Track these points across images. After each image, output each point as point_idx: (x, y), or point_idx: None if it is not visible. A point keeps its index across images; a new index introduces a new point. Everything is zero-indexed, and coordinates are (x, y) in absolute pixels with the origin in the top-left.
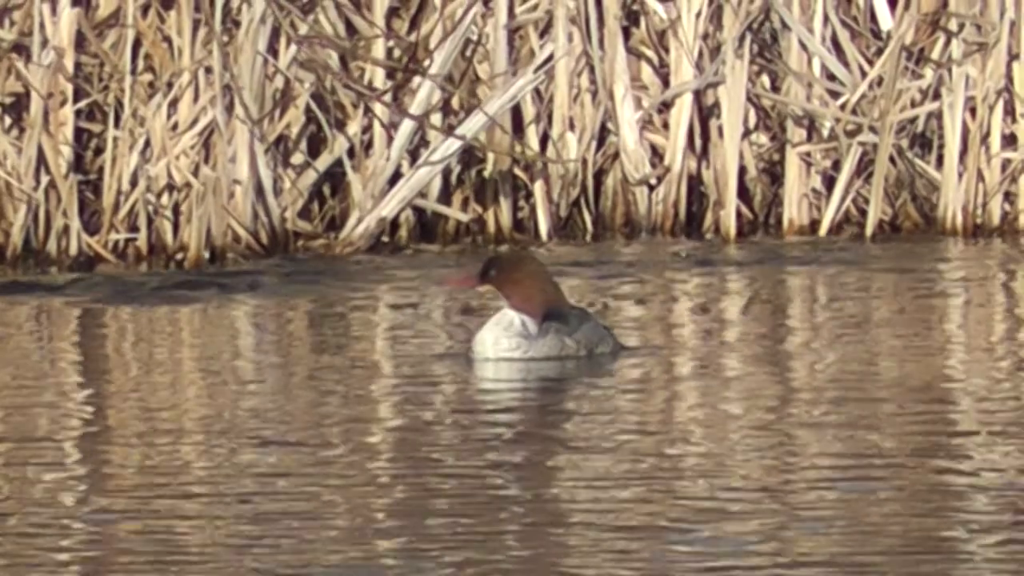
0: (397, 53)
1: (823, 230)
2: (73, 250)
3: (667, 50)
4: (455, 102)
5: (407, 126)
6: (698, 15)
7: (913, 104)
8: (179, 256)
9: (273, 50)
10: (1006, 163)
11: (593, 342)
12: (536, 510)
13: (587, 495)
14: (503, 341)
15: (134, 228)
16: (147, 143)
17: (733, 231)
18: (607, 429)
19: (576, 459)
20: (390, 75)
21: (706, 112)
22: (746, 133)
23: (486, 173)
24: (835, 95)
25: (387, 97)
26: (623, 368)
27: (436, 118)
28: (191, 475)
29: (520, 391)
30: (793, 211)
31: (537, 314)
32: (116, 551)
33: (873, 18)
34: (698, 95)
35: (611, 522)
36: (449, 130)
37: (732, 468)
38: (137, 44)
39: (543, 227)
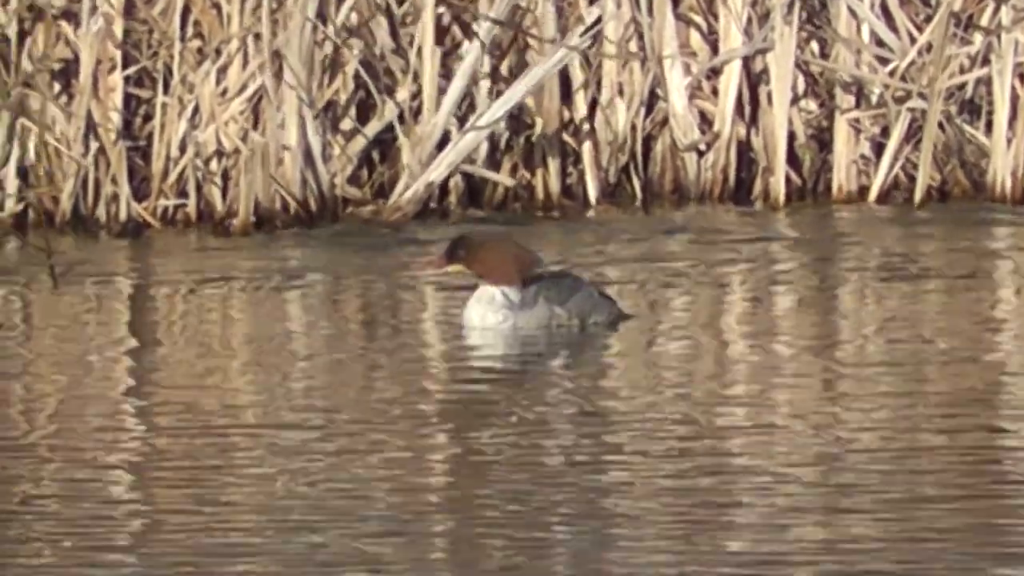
0: (447, 19)
1: (872, 197)
2: (122, 217)
3: (716, 16)
4: (503, 68)
5: (455, 90)
6: None
7: (962, 70)
8: (227, 223)
9: (322, 16)
10: None
11: (585, 311)
12: (593, 487)
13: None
14: (489, 316)
15: (183, 194)
16: (196, 109)
17: (782, 198)
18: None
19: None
20: (439, 40)
21: (755, 78)
22: (795, 99)
23: (534, 138)
24: (884, 61)
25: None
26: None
27: (484, 84)
28: None
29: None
30: (842, 177)
31: (514, 281)
32: None
33: None
34: (747, 61)
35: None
36: (496, 96)
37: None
38: (186, 10)
39: (592, 193)
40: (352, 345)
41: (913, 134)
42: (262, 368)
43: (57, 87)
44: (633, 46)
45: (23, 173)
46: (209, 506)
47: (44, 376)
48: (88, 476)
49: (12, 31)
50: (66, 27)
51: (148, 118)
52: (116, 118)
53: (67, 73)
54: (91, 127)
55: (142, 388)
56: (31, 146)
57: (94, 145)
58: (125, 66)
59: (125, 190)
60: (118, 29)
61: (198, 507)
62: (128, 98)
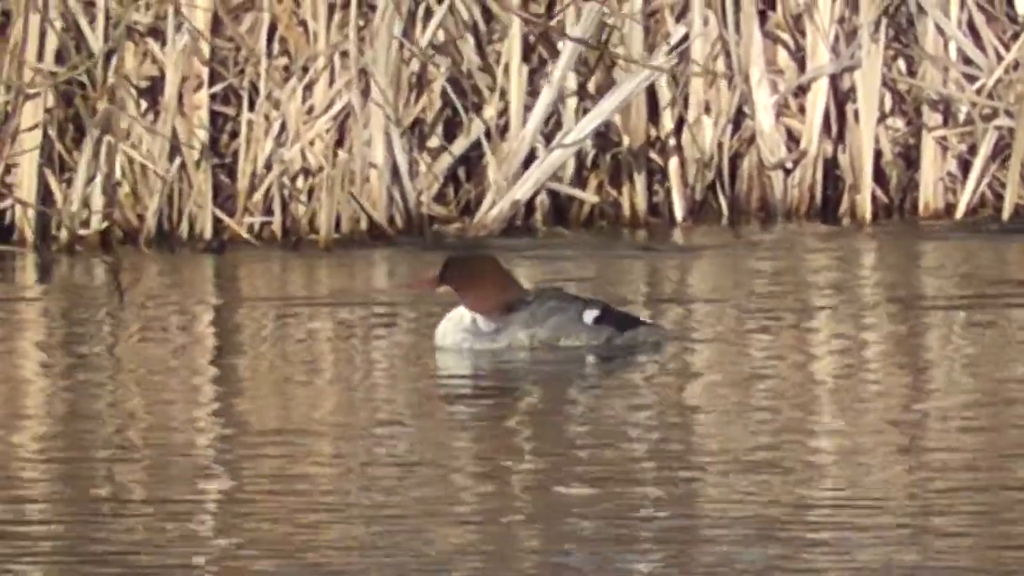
0: (532, 38)
1: (959, 214)
2: (207, 234)
3: (803, 34)
4: (590, 86)
5: (542, 108)
6: None
7: None
8: (312, 239)
9: (409, 34)
10: None
11: (558, 335)
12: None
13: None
14: (448, 338)
15: (268, 211)
16: (282, 127)
17: (869, 215)
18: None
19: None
20: (526, 57)
21: (842, 96)
22: (882, 117)
23: (621, 156)
24: (971, 79)
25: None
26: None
27: (571, 102)
28: None
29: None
30: (929, 195)
31: (491, 312)
32: None
33: (1009, 2)
34: (834, 79)
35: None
36: (583, 113)
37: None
38: (273, 28)
39: (678, 210)
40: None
41: (1000, 151)
42: (344, 384)
43: (143, 104)
44: (720, 64)
45: (109, 190)
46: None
47: (130, 388)
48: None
49: (99, 48)
50: (153, 44)
51: (234, 135)
52: (202, 135)
53: (153, 90)
54: (176, 144)
55: (226, 408)
56: (117, 164)
57: (179, 162)
58: (211, 83)
59: (209, 207)
60: (204, 46)
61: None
62: (214, 115)
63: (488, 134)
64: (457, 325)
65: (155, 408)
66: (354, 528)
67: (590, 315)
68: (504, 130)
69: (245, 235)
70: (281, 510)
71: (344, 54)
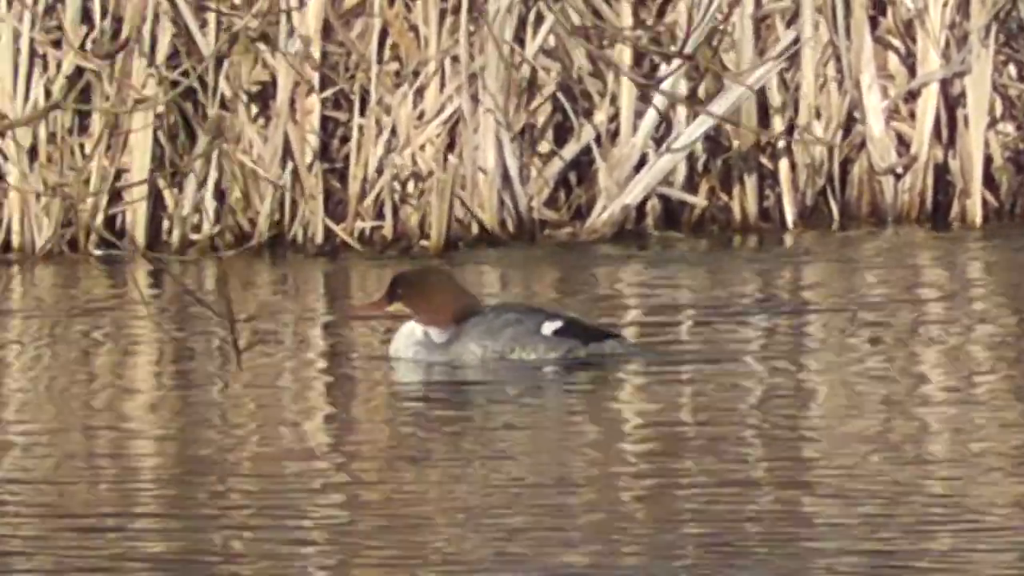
0: (644, 42)
1: None
2: (318, 239)
3: (914, 39)
4: (701, 91)
5: (653, 113)
6: (945, 4)
7: None
8: (423, 244)
9: (520, 39)
10: None
11: (510, 348)
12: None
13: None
14: (401, 351)
15: (379, 216)
16: (393, 132)
17: (979, 220)
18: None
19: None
20: (638, 62)
21: (952, 101)
22: (992, 122)
23: (732, 160)
24: None
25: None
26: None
27: (682, 108)
28: None
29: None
30: None
31: (444, 324)
32: None
33: None
34: (944, 84)
35: None
36: (694, 118)
37: None
38: (384, 33)
39: (789, 215)
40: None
41: None
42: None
43: (254, 109)
44: (831, 69)
45: (220, 195)
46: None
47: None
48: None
49: (210, 53)
50: (264, 49)
51: (345, 140)
52: (313, 140)
53: (264, 96)
54: (288, 149)
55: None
56: (228, 168)
57: (290, 167)
58: (322, 88)
59: (321, 212)
60: (316, 52)
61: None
62: (325, 120)
63: (599, 139)
64: (409, 338)
65: (267, 415)
66: (486, 544)
67: (550, 327)
68: (615, 135)
69: (352, 241)
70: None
71: (455, 59)
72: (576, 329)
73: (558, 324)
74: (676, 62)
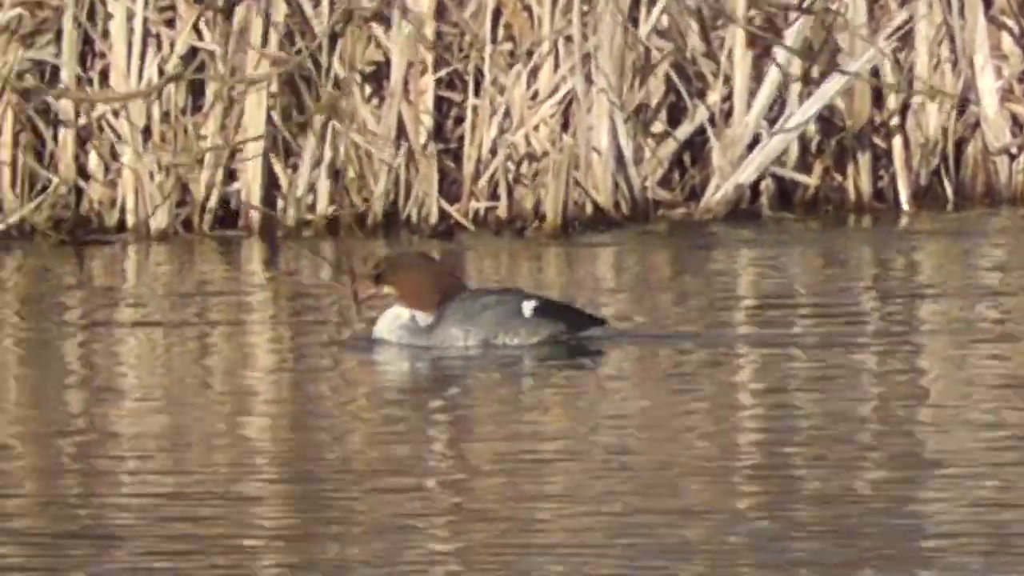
0: (758, 21)
1: None
2: (433, 219)
3: None
4: (814, 70)
5: (766, 93)
6: None
7: None
8: (536, 225)
9: (633, 19)
10: None
11: (493, 332)
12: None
13: None
14: (385, 335)
15: (493, 197)
16: (506, 112)
17: None
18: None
19: None
20: (750, 43)
21: None
22: None
23: (845, 141)
24: None
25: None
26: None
27: (795, 86)
28: None
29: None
30: None
31: (429, 307)
32: None
33: None
34: None
35: None
36: (807, 98)
37: None
38: (497, 13)
39: (903, 196)
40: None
41: None
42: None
43: (368, 89)
44: (944, 48)
45: (335, 175)
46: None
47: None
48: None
49: (323, 33)
50: (377, 30)
51: (459, 121)
52: (427, 121)
53: (378, 76)
54: (402, 130)
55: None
56: (343, 149)
57: (404, 147)
58: (436, 69)
59: (435, 192)
60: (429, 32)
61: None
62: (439, 101)
63: (712, 119)
64: (394, 321)
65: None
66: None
67: (528, 306)
68: (728, 115)
69: (466, 221)
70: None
71: (568, 39)
72: (556, 311)
73: (535, 303)
74: (793, 30)
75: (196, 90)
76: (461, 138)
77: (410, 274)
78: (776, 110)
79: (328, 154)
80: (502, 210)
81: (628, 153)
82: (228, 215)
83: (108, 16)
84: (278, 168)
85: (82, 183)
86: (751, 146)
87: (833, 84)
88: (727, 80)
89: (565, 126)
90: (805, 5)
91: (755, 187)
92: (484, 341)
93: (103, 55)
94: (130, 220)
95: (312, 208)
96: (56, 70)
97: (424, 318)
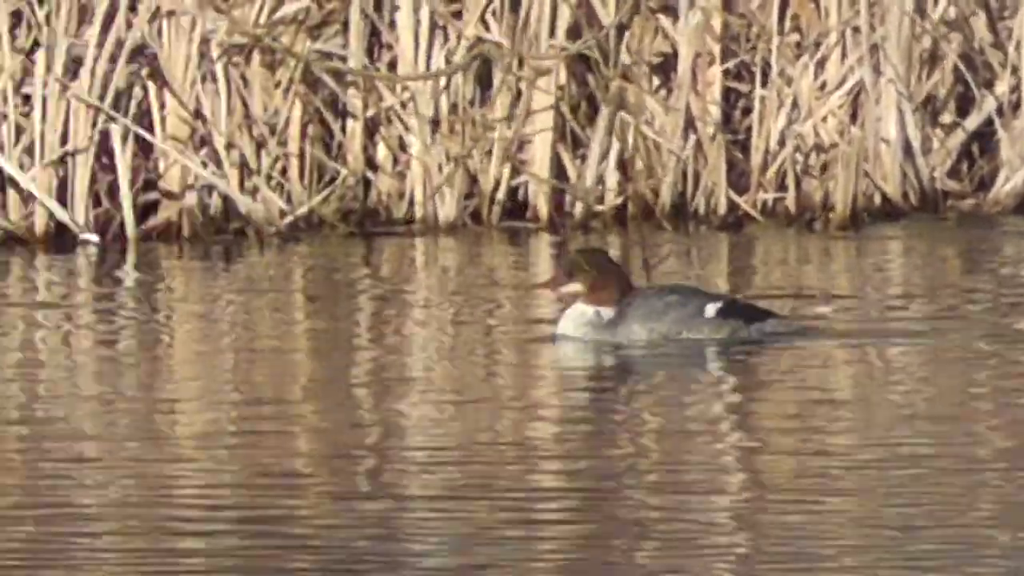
0: None
1: None
2: (721, 210)
3: None
4: None
5: None
6: None
7: None
8: (824, 217)
9: (921, 9)
10: None
11: (675, 330)
12: None
13: None
14: (571, 332)
15: (781, 188)
16: (794, 103)
17: None
18: None
19: None
20: None
21: None
22: None
23: None
24: None
25: None
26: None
27: None
28: None
29: None
30: None
31: (610, 303)
32: None
33: None
34: None
35: None
36: None
37: None
38: (784, 4)
39: None
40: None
41: None
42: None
43: (656, 80)
44: None
45: (623, 166)
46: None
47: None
48: None
49: (611, 24)
50: (664, 21)
51: (747, 112)
52: (715, 111)
53: (665, 67)
54: (690, 121)
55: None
56: (630, 140)
57: (692, 139)
58: (723, 60)
59: (724, 183)
60: (717, 23)
61: None
62: (727, 92)
63: (1000, 110)
64: (579, 318)
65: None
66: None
67: (712, 308)
68: (1016, 106)
69: (755, 212)
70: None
71: (856, 30)
72: (738, 309)
73: (719, 304)
74: None
75: (484, 82)
76: (749, 129)
77: (597, 272)
78: None
79: (616, 145)
80: (790, 201)
81: (916, 144)
82: (516, 207)
83: (395, 7)
84: (566, 159)
85: (370, 175)
86: None
87: None
88: (1015, 71)
89: (853, 117)
90: None
91: None
92: (666, 339)
93: (390, 47)
94: (418, 212)
95: (601, 199)
96: (343, 61)
97: (607, 313)
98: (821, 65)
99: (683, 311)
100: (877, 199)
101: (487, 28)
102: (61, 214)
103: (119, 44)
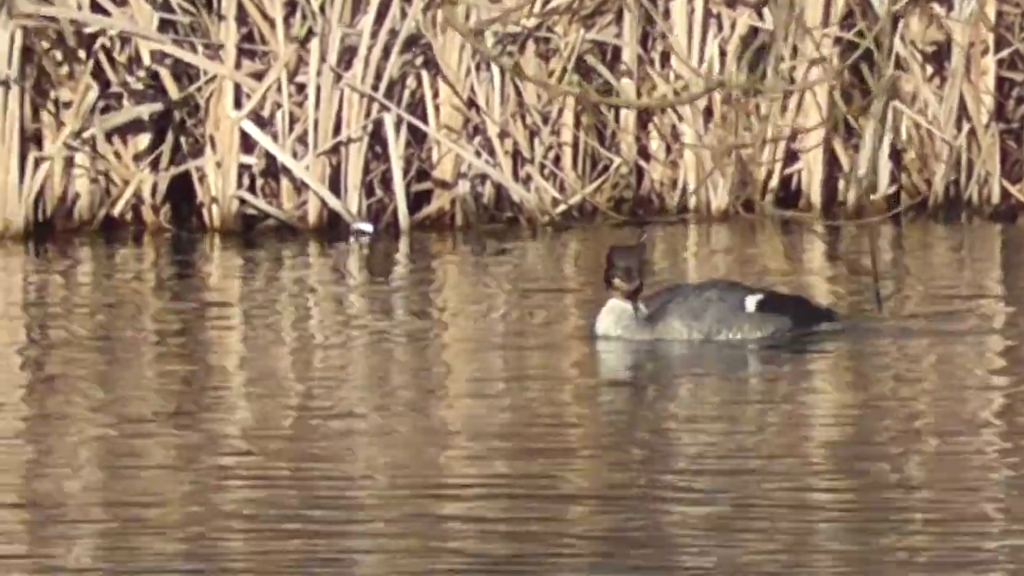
0: None
1: None
2: (995, 199)
3: None
4: None
5: None
6: None
7: None
8: None
9: None
10: None
11: (716, 328)
12: None
13: None
14: (612, 329)
15: None
16: None
17: None
18: None
19: None
20: None
21: None
22: None
23: None
24: None
25: None
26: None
27: None
28: None
29: None
30: None
31: (637, 298)
32: None
33: None
34: None
35: None
36: None
37: None
38: None
39: None
40: None
41: None
42: None
43: (929, 70)
44: None
45: (896, 156)
46: None
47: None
48: None
49: (885, 14)
50: (939, 10)
51: (1020, 101)
52: (988, 101)
53: (939, 56)
54: (963, 109)
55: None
56: (903, 129)
57: (966, 128)
58: (997, 49)
59: (997, 173)
60: (991, 11)
61: None
62: (1000, 80)
63: None
64: (620, 317)
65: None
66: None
67: (752, 301)
68: None
69: None
70: None
71: None
72: (781, 304)
73: (759, 297)
74: None
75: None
76: (1022, 118)
77: (642, 268)
78: None
79: (889, 134)
80: None
81: None
82: (788, 195)
83: None
84: (839, 149)
85: (643, 164)
86: None
87: None
88: None
89: None
90: None
91: None
92: (707, 336)
93: (664, 36)
94: (691, 201)
95: (873, 188)
96: (617, 51)
97: (644, 307)
98: None
99: (723, 306)
100: None
101: (761, 17)
102: (334, 203)
103: (393, 34)
